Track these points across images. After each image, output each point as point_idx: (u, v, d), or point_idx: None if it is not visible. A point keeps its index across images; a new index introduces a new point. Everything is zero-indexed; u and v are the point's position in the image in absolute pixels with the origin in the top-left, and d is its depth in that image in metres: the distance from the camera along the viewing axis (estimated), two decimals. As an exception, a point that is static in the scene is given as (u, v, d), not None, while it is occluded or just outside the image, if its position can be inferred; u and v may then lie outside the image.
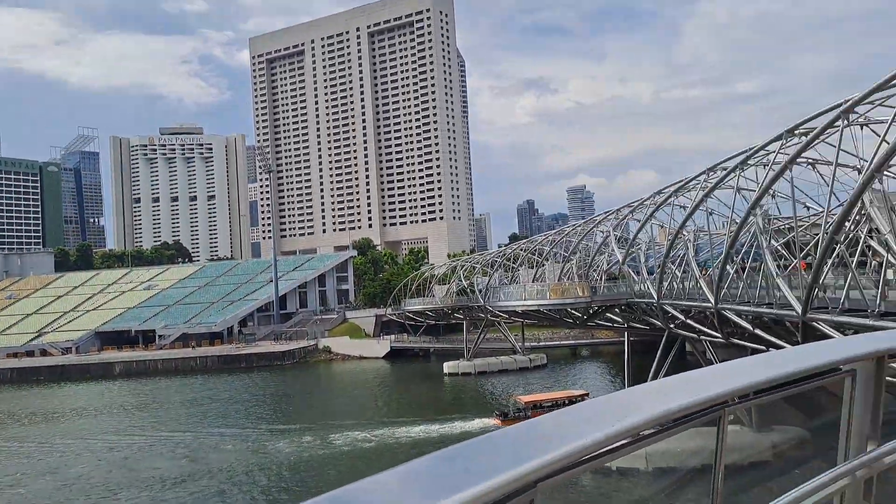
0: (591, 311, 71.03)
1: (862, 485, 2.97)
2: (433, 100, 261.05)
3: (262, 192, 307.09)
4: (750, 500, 2.74)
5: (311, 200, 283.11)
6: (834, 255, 27.17)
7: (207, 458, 51.66)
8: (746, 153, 43.78)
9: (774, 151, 39.05)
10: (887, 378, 3.12)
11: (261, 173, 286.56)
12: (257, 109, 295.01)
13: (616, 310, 69.73)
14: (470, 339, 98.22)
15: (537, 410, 56.28)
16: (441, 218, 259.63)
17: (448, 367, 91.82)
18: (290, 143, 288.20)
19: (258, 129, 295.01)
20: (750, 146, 43.75)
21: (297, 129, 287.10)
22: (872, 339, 3.14)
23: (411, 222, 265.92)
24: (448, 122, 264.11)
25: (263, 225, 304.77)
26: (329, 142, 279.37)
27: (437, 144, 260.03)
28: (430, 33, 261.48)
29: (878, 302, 23.96)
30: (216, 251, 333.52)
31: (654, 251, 65.59)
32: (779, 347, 35.20)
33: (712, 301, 41.43)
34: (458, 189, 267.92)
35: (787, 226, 50.67)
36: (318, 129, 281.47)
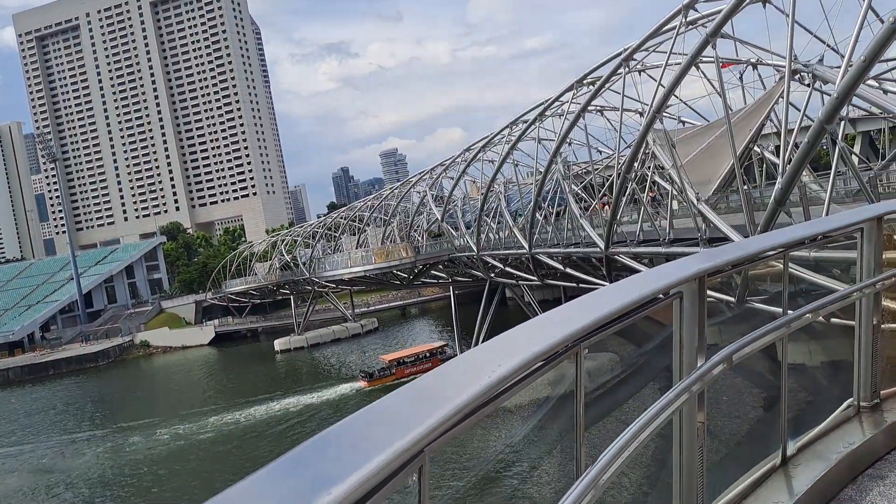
0: (416, 271, 72.46)
1: (696, 398, 3.21)
2: (230, 70, 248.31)
3: (48, 184, 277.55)
4: (606, 428, 2.89)
5: (106, 188, 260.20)
6: (627, 192, 29.64)
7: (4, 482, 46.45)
8: (543, 105, 46.28)
9: (567, 102, 41.58)
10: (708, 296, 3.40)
11: (44, 163, 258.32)
12: (32, 93, 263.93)
13: (440, 266, 71.69)
14: (299, 313, 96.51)
15: (402, 367, 56.82)
16: (254, 193, 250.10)
17: (279, 343, 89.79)
18: (74, 128, 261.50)
19: (35, 114, 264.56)
20: (546, 98, 46.30)
21: (82, 112, 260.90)
22: (693, 262, 3.39)
23: (223, 201, 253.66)
24: (250, 94, 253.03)
25: (55, 219, 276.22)
26: (120, 124, 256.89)
27: (240, 118, 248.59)
28: (219, 1, 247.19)
29: (668, 231, 26.59)
30: (2, 253, 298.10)
31: (469, 206, 67.87)
32: (588, 282, 38.14)
33: (527, 247, 43.79)
34: (268, 162, 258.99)
35: (584, 170, 54.46)
36: (106, 111, 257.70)
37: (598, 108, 43.00)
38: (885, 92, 23.88)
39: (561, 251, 40.26)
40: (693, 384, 3.11)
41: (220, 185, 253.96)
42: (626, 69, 31.43)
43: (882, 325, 5.07)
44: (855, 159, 28.12)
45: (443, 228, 69.06)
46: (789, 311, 4.05)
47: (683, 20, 25.88)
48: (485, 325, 57.93)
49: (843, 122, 16.77)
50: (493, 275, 56.84)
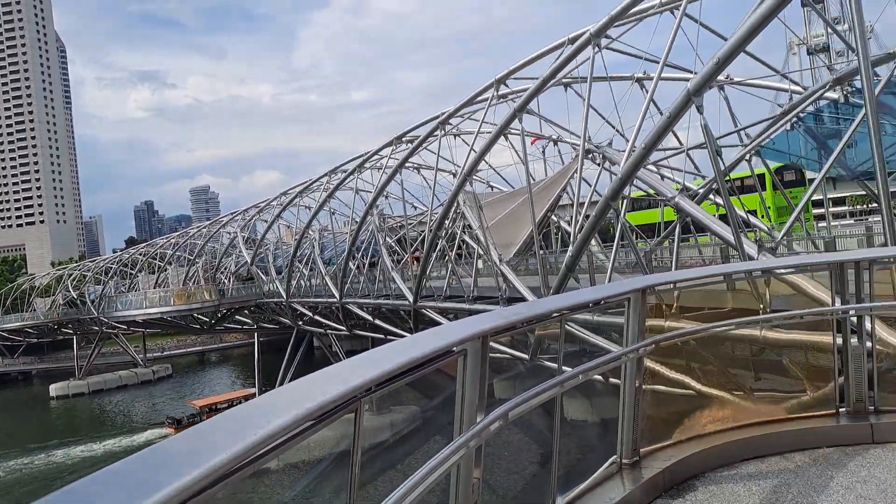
0: (219, 315, 69.00)
1: (474, 453, 3.33)
2: (27, 87, 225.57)
3: None
4: (384, 484, 2.90)
5: None
6: (437, 248, 30.66)
7: None
8: (363, 157, 46.96)
9: (386, 156, 42.53)
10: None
11: None
12: None
13: (245, 311, 68.91)
14: (82, 355, 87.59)
15: (213, 413, 52.58)
16: (42, 221, 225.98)
17: (56, 389, 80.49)
18: None
19: None
20: (366, 151, 47.08)
21: None
22: (478, 321, 3.56)
23: (5, 227, 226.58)
24: (47, 114, 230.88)
25: None
26: None
27: (33, 138, 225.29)
28: (20, 11, 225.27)
29: (472, 288, 27.76)
30: None
31: (281, 251, 66.37)
32: (395, 334, 38.58)
33: (337, 296, 43.49)
34: (61, 188, 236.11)
35: (399, 224, 55.60)
36: None
37: (416, 165, 44.39)
38: (662, 177, 27.03)
39: (371, 302, 40.44)
40: (470, 440, 3.23)
41: (2, 210, 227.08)
42: (443, 132, 32.88)
43: (644, 386, 5.63)
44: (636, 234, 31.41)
45: (252, 272, 66.75)
46: (565, 370, 4.37)
47: (495, 93, 27.70)
48: (289, 374, 56.25)
49: (625, 200, 18.75)
50: (301, 323, 55.63)
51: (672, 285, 6.27)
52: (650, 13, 21.60)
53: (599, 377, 5.20)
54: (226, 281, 74.31)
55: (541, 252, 22.56)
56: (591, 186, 26.03)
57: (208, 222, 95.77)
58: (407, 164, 39.62)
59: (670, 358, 6.25)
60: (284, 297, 53.65)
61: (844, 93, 15.30)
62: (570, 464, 4.85)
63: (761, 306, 10.61)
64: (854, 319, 6.00)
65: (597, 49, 21.23)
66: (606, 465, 4.93)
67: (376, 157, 45.61)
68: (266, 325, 69.90)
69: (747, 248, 12.55)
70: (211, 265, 76.22)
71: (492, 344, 3.67)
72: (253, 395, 57.00)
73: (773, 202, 25.92)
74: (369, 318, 41.41)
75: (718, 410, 6.02)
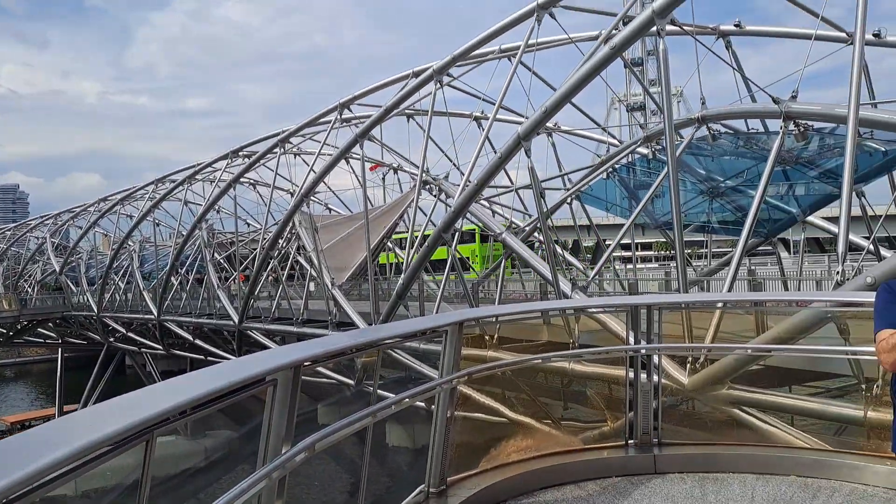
0: (18, 327, 62.36)
1: (276, 484, 3.30)
2: None
3: None
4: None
5: None
6: (269, 268, 29.89)
7: None
8: (195, 168, 44.87)
9: (221, 169, 40.95)
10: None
11: None
12: None
13: (50, 324, 62.88)
14: None
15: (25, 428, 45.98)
16: None
17: None
18: None
19: None
20: (199, 161, 45.04)
21: None
22: (291, 351, 3.56)
23: None
24: None
25: None
26: None
27: None
28: None
29: (302, 311, 27.30)
30: None
31: (96, 261, 61.41)
32: (218, 356, 36.88)
33: (155, 313, 40.95)
34: None
35: (229, 240, 53.51)
36: None
37: (252, 181, 43.08)
38: (493, 213, 28.28)
39: (193, 321, 38.46)
40: (273, 471, 3.20)
41: None
42: (282, 150, 32.29)
43: (459, 413, 5.85)
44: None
45: (61, 282, 61.15)
46: (383, 397, 4.45)
47: (339, 116, 27.73)
48: (94, 394, 51.81)
49: (457, 233, 19.44)
50: (112, 339, 51.64)
51: (494, 318, 6.61)
52: (490, 58, 22.74)
53: (423, 404, 5.35)
54: (29, 290, 67.46)
55: (374, 278, 22.71)
56: (426, 216, 26.68)
57: (14, 224, 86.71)
58: (242, 180, 38.39)
59: (485, 387, 6.55)
60: (95, 310, 49.62)
61: (653, 150, 16.90)
62: (379, 493, 4.92)
63: (571, 341, 11.38)
64: (646, 357, 6.62)
65: (438, 85, 21.97)
66: (413, 494, 5.05)
67: (210, 169, 43.76)
68: (73, 339, 64.12)
69: (562, 286, 13.46)
70: (14, 272, 68.95)
71: (318, 369, 3.67)
72: (52, 416, 51.82)
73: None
74: (189, 337, 39.31)
75: (524, 439, 6.37)
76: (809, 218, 17.03)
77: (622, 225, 19.82)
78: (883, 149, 13.45)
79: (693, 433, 7.35)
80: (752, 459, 6.07)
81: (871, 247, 14.99)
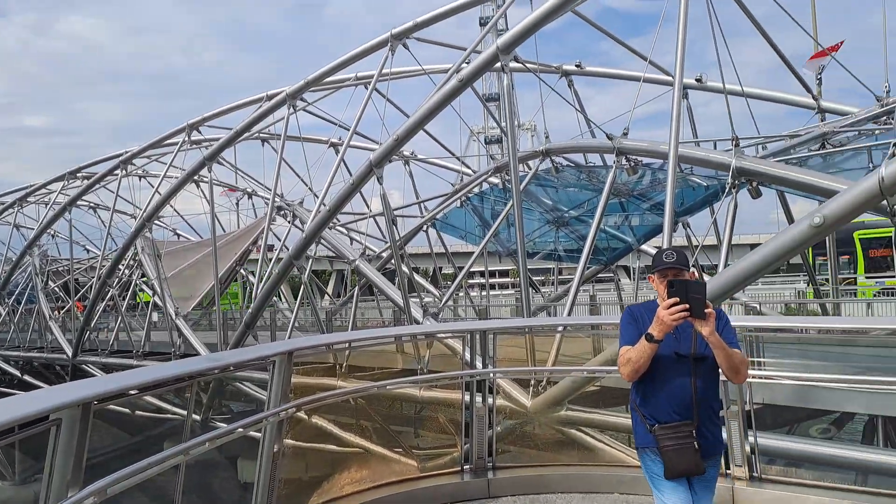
0: None
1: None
2: None
3: None
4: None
5: None
6: (107, 297, 27.89)
7: None
8: (27, 189, 41.40)
9: (56, 191, 37.98)
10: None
11: None
12: None
13: None
14: None
15: None
16: None
17: None
18: None
19: None
20: (33, 183, 41.59)
21: None
22: (80, 387, 3.25)
23: None
24: None
25: None
26: None
27: None
28: None
29: (143, 343, 25.63)
30: None
31: None
32: (50, 393, 33.71)
33: (-24, 347, 37.01)
34: None
35: (66, 267, 49.54)
36: None
37: (92, 204, 40.23)
38: (352, 241, 28.09)
39: (21, 355, 35.09)
40: (52, 520, 2.89)
41: None
42: (124, 171, 30.43)
43: (293, 443, 5.63)
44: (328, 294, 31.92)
45: None
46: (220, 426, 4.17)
47: (187, 138, 26.57)
48: None
49: (311, 259, 19.10)
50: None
51: (325, 347, 6.44)
52: (346, 84, 22.72)
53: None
54: None
55: (222, 307, 21.75)
56: (280, 241, 26.00)
57: None
58: (81, 203, 35.76)
59: (326, 416, 6.36)
60: None
61: (503, 179, 17.47)
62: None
63: (420, 367, 11.37)
64: (483, 381, 6.70)
65: (292, 109, 21.63)
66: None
67: (45, 190, 40.43)
68: None
69: (414, 313, 13.51)
70: None
71: (149, 398, 3.36)
72: None
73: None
74: (17, 373, 35.77)
75: (360, 470, 6.24)
76: (643, 246, 18.21)
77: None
78: (705, 184, 14.65)
79: (531, 455, 7.52)
80: (580, 479, 6.28)
81: (695, 272, 16.23)
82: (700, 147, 12.56)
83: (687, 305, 3.11)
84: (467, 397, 6.54)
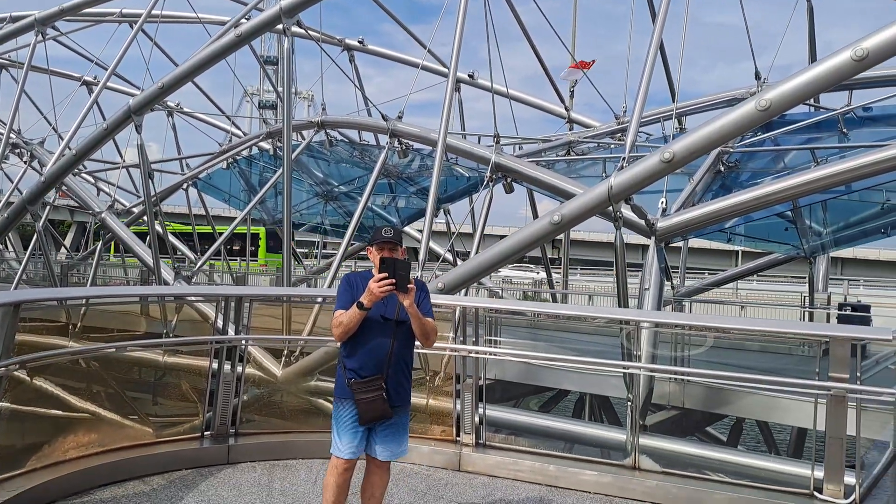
0: None
1: None
2: None
3: None
4: None
5: None
6: None
7: None
8: None
9: None
10: None
11: None
12: None
13: None
14: None
15: None
16: None
17: None
18: None
19: None
20: None
21: None
22: None
23: None
24: None
25: None
26: None
27: None
28: None
29: None
30: None
31: None
32: None
33: None
34: None
35: None
36: None
37: None
38: (99, 192, 25.64)
39: None
40: None
41: None
42: None
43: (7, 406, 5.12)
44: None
45: None
46: None
47: None
48: None
49: (48, 207, 17.12)
50: None
51: (58, 302, 5.91)
52: (108, 20, 20.63)
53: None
54: None
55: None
56: (12, 183, 22.92)
57: None
58: None
59: (51, 377, 5.84)
60: None
61: (274, 146, 17.07)
62: None
63: (165, 331, 10.81)
64: (233, 348, 6.59)
65: (41, 37, 19.17)
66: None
67: None
68: None
69: (164, 274, 12.76)
70: None
71: None
72: None
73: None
74: None
75: (87, 434, 5.83)
76: (407, 228, 18.89)
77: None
78: (468, 175, 15.58)
79: (276, 423, 7.55)
80: (323, 445, 6.46)
81: (450, 257, 17.27)
82: (466, 140, 13.31)
83: (394, 280, 3.68)
84: (215, 365, 6.40)
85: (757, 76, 11.30)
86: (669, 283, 14.34)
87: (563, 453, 6.37)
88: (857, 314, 13.15)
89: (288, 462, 6.04)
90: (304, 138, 15.89)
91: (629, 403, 6.14)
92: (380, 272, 3.71)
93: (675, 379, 8.88)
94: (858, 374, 5.19)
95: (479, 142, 13.43)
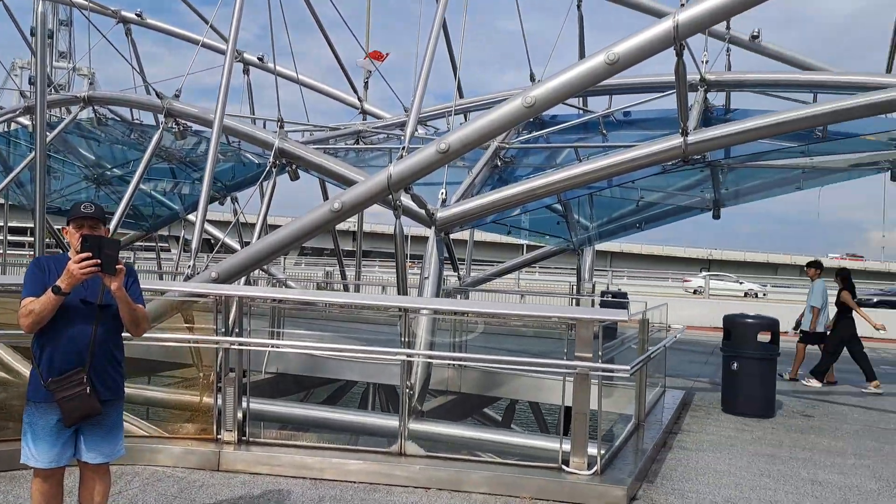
0: None
1: None
2: None
3: None
4: None
5: None
6: None
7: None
8: None
9: None
10: None
11: None
12: None
13: None
14: None
15: None
16: None
17: None
18: None
19: None
20: None
21: None
22: None
23: None
24: None
25: None
26: None
27: None
28: None
29: None
30: None
31: None
32: None
33: None
34: None
35: None
36: None
37: None
38: None
39: None
40: None
41: None
42: None
43: None
44: None
45: None
46: None
47: None
48: None
49: None
50: None
51: None
52: None
53: None
54: None
55: None
56: None
57: None
58: None
59: None
60: None
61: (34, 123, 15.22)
62: None
63: None
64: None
65: None
66: None
67: None
68: None
69: None
70: None
71: None
72: None
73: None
74: None
75: None
76: (190, 216, 17.77)
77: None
78: (256, 161, 14.96)
79: None
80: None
81: (235, 245, 16.52)
82: (249, 123, 12.74)
83: (99, 261, 3.25)
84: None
85: (532, 79, 11.92)
86: (457, 273, 14.80)
87: (329, 444, 6.24)
88: (616, 300, 14.50)
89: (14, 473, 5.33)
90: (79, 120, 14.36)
91: (404, 391, 6.14)
92: (82, 251, 3.25)
93: (454, 365, 9.13)
94: (600, 354, 5.59)
95: (264, 126, 12.91)
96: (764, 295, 39.04)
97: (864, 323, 11.10)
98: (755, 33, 11.88)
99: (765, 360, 8.57)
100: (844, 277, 11.39)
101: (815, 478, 6.12)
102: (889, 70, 10.29)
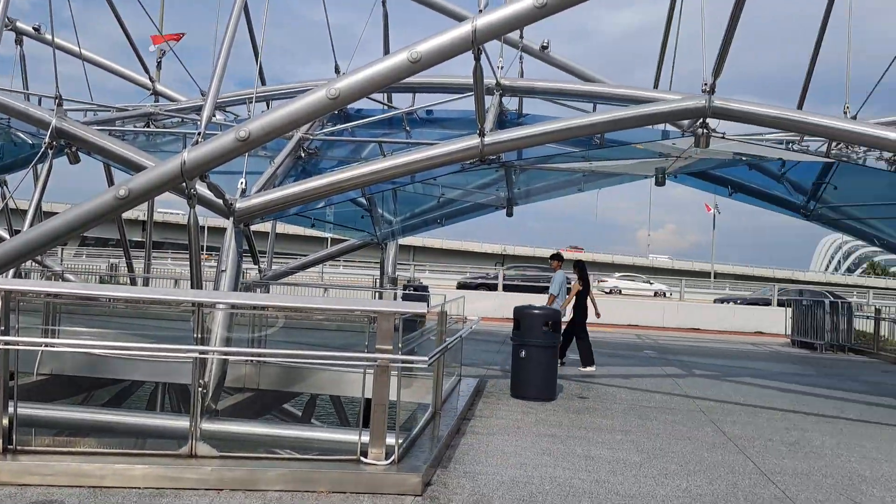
0: None
1: None
2: None
3: None
4: None
5: None
6: None
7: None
8: None
9: None
10: None
11: None
12: None
13: None
14: None
15: None
16: None
17: None
18: None
19: None
20: None
21: None
22: None
23: None
24: None
25: None
26: None
27: None
28: None
29: None
30: None
31: None
32: None
33: None
34: None
35: None
36: None
37: None
38: None
39: None
40: None
41: None
42: None
43: None
44: None
45: None
46: None
47: None
48: None
49: None
50: None
51: None
52: None
53: None
54: None
55: None
56: None
57: None
58: None
59: None
60: None
61: None
62: None
63: None
64: None
65: None
66: None
67: None
68: None
69: None
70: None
71: None
72: None
73: None
74: None
75: None
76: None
77: None
78: (31, 141, 13.43)
79: None
80: None
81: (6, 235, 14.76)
82: (22, 99, 11.42)
83: None
84: None
85: (337, 71, 11.87)
86: (257, 266, 14.35)
87: (111, 449, 5.80)
88: (418, 293, 14.89)
89: None
90: None
91: (196, 389, 5.85)
92: None
93: (251, 361, 8.86)
94: (400, 346, 5.72)
95: (39, 103, 11.63)
96: (671, 295, 41.29)
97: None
98: (545, 44, 12.74)
99: (549, 348, 9.27)
100: (581, 268, 12.79)
101: (588, 453, 6.74)
102: (656, 85, 11.56)
